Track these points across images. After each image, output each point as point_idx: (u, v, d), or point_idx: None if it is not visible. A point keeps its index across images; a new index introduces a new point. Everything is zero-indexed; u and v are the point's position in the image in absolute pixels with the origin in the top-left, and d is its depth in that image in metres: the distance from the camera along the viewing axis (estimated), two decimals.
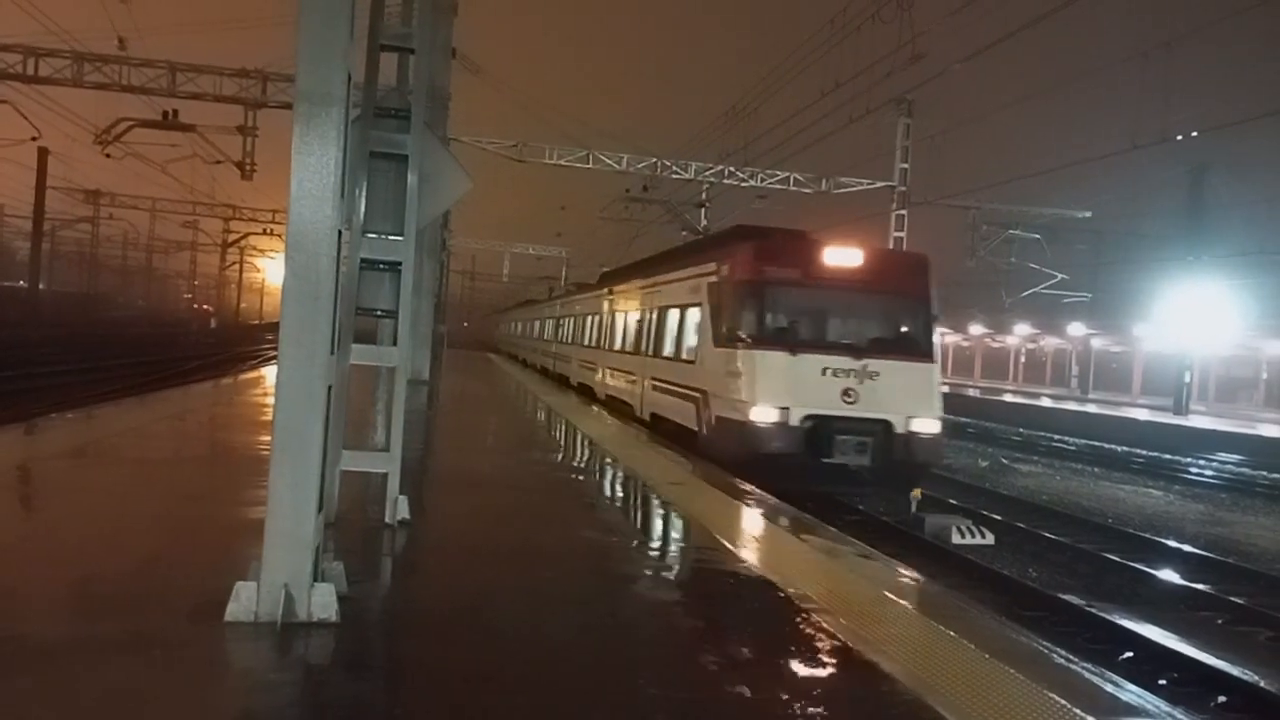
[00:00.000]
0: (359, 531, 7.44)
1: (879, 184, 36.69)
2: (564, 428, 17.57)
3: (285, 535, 5.04)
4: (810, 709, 4.65)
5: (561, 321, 35.53)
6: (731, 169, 35.56)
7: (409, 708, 4.35)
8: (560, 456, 13.59)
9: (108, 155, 35.57)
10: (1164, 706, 4.88)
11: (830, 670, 5.21)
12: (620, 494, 10.96)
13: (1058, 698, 4.82)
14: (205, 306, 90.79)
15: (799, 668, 5.24)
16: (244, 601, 4.98)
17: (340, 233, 5.44)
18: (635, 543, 8.26)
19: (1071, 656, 5.61)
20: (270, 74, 31.93)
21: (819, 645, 5.55)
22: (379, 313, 7.86)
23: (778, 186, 36.49)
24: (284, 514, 5.05)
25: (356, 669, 4.81)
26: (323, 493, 5.33)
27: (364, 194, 7.46)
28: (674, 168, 36.82)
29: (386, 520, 7.61)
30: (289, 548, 5.03)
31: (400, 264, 7.60)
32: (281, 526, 5.04)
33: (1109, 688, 5.11)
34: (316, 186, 5.19)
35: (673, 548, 8.32)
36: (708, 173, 36.74)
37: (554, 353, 36.37)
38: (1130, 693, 5.06)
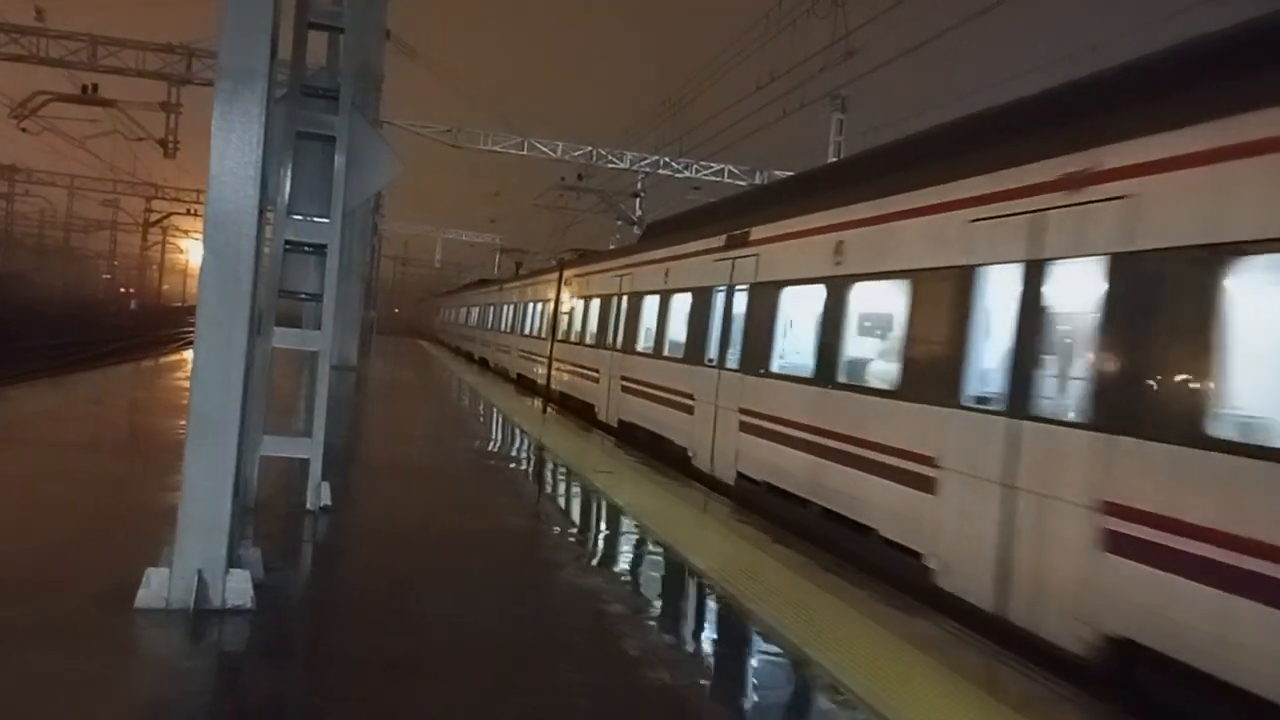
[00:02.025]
0: (279, 518, 7.31)
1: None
2: (494, 416, 17.47)
3: (200, 520, 4.93)
4: (725, 691, 4.72)
5: (576, 309, 21.38)
6: (666, 159, 35.60)
7: (326, 695, 4.29)
8: (489, 445, 13.51)
9: (24, 129, 34.38)
10: None
11: (743, 652, 5.29)
12: (548, 482, 10.94)
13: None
14: (130, 290, 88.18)
15: (717, 653, 5.32)
16: (155, 588, 4.86)
17: (263, 213, 5.34)
18: (562, 530, 8.25)
19: None
20: (196, 50, 31.02)
21: (737, 632, 5.63)
22: (303, 296, 7.73)
23: (712, 179, 36.66)
24: (199, 499, 4.94)
25: (272, 656, 4.73)
26: (240, 478, 5.23)
27: (289, 174, 7.32)
28: (609, 157, 36.77)
29: (308, 506, 7.50)
30: (203, 533, 4.92)
31: (326, 247, 7.47)
32: (196, 511, 4.94)
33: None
34: (238, 165, 5.09)
35: (599, 535, 8.34)
36: (643, 163, 36.76)
37: (561, 360, 22.22)
38: None
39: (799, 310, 10.57)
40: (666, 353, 14.48)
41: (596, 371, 18.37)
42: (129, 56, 31.31)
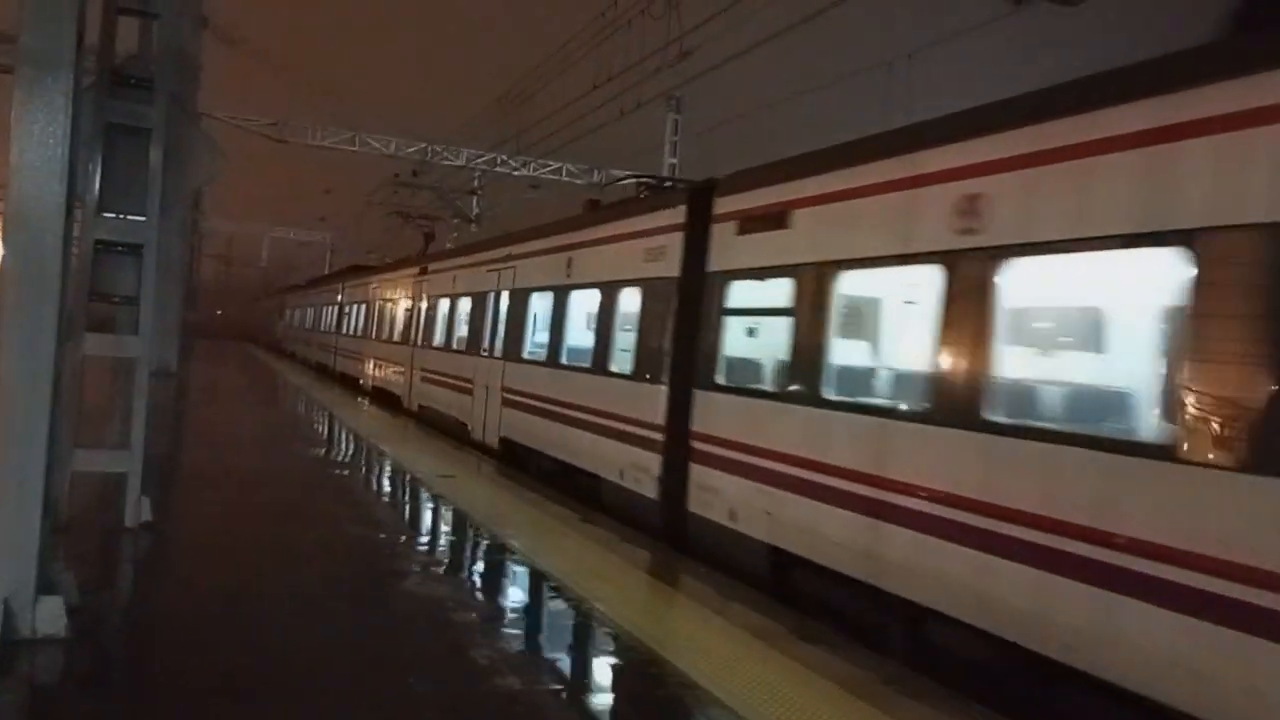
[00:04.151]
0: (96, 537, 6.83)
1: (648, 177, 37.44)
2: (326, 420, 16.90)
3: (5, 544, 4.54)
4: (576, 695, 4.70)
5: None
6: (504, 158, 35.26)
7: None
8: (324, 451, 13.05)
9: None
10: None
11: (599, 658, 5.28)
12: (389, 489, 10.66)
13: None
14: None
15: (568, 656, 5.30)
16: None
17: (70, 210, 4.97)
18: (404, 538, 8.04)
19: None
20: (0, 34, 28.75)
21: (586, 634, 5.62)
22: (117, 299, 7.24)
23: (550, 176, 36.53)
24: (3, 520, 4.55)
25: (90, 686, 4.41)
26: (50, 495, 4.85)
27: (99, 169, 6.84)
28: (445, 154, 36.11)
29: (127, 524, 7.02)
30: (9, 557, 4.54)
31: (142, 246, 7.02)
32: (0, 534, 4.54)
33: None
34: (40, 158, 4.72)
35: (443, 541, 8.17)
36: (479, 160, 36.29)
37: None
38: None
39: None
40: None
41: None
42: None
